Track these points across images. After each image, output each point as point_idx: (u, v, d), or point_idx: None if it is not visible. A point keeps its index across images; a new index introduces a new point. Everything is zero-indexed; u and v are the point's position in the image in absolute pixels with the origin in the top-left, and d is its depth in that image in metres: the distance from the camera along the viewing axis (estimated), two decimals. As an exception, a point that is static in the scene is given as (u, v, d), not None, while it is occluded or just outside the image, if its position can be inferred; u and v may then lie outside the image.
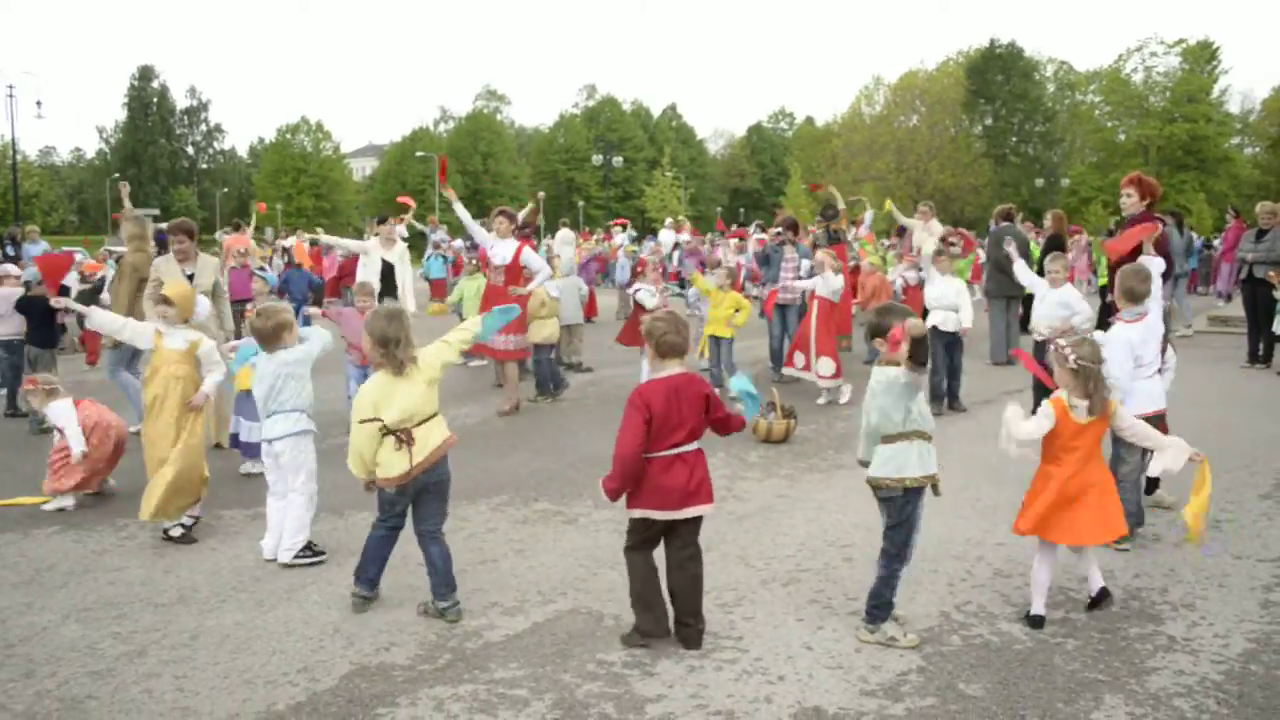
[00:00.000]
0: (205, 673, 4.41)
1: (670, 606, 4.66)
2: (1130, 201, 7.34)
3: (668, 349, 4.52)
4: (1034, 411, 4.98)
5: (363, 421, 4.83)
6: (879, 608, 4.67)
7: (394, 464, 4.82)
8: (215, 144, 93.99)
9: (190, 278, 8.29)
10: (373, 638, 4.75)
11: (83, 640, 4.75)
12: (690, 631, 4.62)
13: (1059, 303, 8.08)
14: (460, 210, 10.19)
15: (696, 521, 4.64)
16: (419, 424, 4.87)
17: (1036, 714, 3.97)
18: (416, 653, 4.60)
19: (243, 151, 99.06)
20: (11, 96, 43.35)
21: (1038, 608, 4.83)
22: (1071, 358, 4.68)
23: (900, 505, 4.58)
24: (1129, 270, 6.03)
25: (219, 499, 7.00)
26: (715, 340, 10.89)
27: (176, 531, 6.24)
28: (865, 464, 4.70)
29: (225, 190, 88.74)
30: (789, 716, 3.97)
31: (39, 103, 55.83)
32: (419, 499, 4.97)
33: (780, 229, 12.44)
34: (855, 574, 5.51)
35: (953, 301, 10.05)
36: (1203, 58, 64.92)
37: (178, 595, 5.33)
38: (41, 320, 9.80)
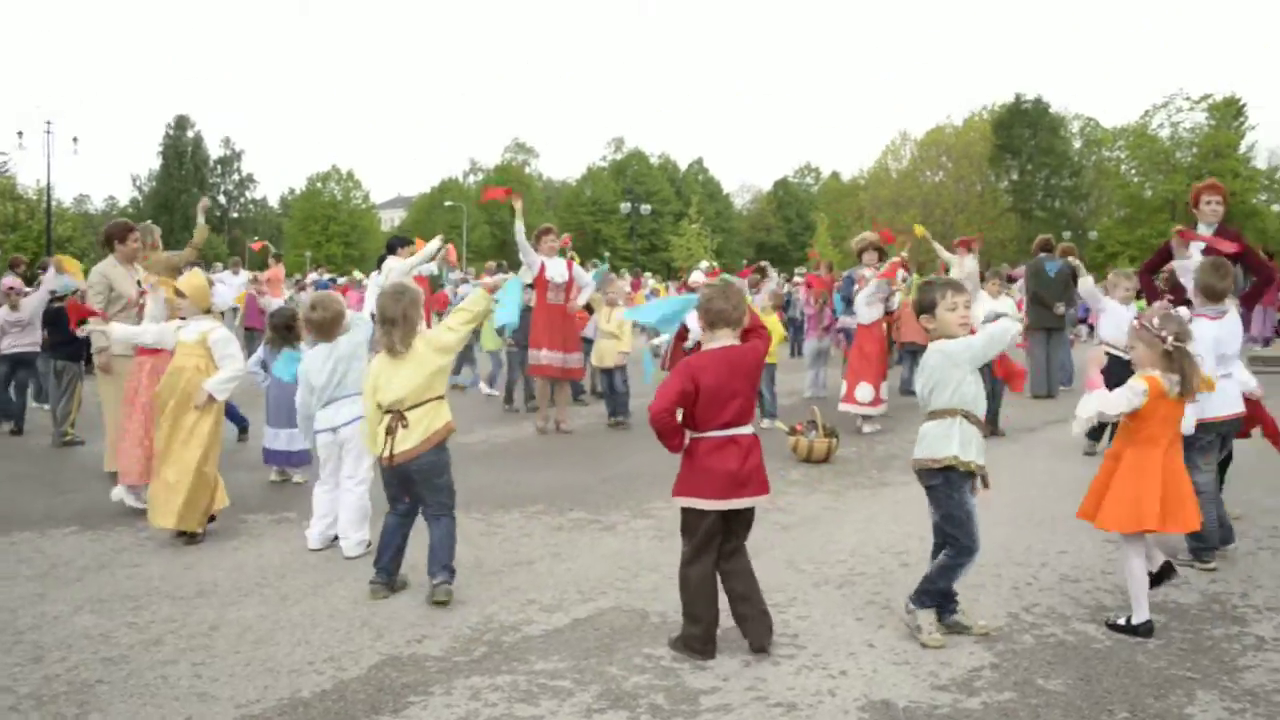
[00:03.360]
0: (225, 661, 4.14)
1: (731, 609, 4.27)
2: (1216, 210, 7.08)
3: (715, 317, 4.23)
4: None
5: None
6: (927, 593, 4.39)
7: (380, 445, 4.88)
8: (247, 193, 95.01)
9: (139, 282, 8.08)
10: (403, 630, 4.47)
11: (96, 629, 4.50)
12: (759, 626, 4.21)
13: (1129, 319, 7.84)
14: (520, 227, 10.12)
15: (748, 516, 4.32)
16: (413, 406, 4.84)
17: (1125, 708, 3.63)
18: (450, 645, 4.31)
19: (274, 202, 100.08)
20: (49, 133, 43.10)
21: (1145, 612, 4.40)
22: (1169, 339, 4.37)
23: (943, 493, 4.31)
24: (1207, 265, 5.71)
25: (243, 503, 6.75)
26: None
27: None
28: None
29: (256, 238, 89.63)
30: (856, 709, 3.64)
31: (75, 139, 52.87)
32: (411, 484, 4.90)
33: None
34: (914, 578, 5.15)
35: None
36: (1229, 114, 64.53)
37: (197, 590, 5.07)
38: (68, 332, 9.62)
